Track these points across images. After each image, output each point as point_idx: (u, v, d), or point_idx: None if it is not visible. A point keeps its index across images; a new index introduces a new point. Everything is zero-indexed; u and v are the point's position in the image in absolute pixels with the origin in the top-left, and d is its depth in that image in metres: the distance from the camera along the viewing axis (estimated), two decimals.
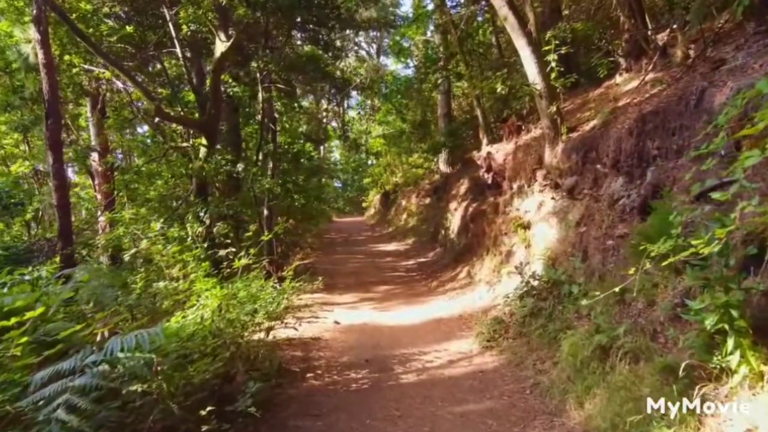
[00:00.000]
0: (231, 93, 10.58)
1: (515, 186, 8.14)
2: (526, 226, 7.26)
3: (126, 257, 6.70)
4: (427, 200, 16.07)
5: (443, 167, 15.05)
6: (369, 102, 24.55)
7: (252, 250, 4.97)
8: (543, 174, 7.02)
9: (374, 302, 8.07)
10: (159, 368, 2.80)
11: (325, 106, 23.41)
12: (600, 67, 6.96)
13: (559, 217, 6.38)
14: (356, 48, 24.98)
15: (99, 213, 10.83)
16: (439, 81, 13.46)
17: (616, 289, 3.10)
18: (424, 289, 8.92)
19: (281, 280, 5.94)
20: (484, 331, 5.50)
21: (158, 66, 11.08)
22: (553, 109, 6.25)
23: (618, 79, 7.42)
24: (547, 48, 6.13)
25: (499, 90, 8.22)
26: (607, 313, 4.06)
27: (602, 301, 4.17)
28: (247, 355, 4.29)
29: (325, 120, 24.33)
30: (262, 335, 4.83)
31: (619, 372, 3.30)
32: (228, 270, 4.85)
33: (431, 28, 15.67)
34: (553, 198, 6.65)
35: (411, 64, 19.58)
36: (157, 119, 9.33)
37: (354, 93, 21.36)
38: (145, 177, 9.78)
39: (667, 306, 3.51)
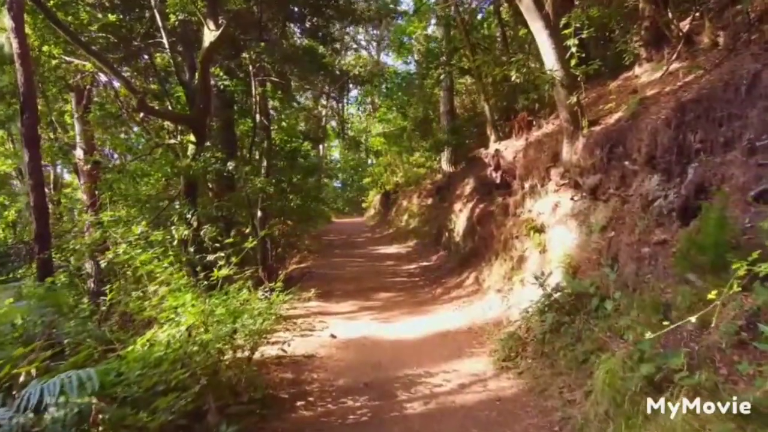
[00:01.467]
0: (222, 87, 9.97)
1: (527, 185, 7.53)
2: (540, 229, 6.66)
3: (102, 263, 6.08)
4: (430, 201, 15.46)
5: (446, 166, 14.46)
6: (369, 99, 23.92)
7: (234, 258, 4.33)
8: (559, 172, 6.41)
9: (374, 312, 7.44)
10: (100, 416, 2.19)
11: (323, 103, 22.79)
12: (626, 54, 6.36)
13: (579, 219, 5.77)
14: (355, 46, 24.41)
15: (82, 214, 10.25)
16: (442, 77, 12.87)
17: (692, 319, 2.44)
18: (428, 297, 8.30)
19: (273, 290, 5.31)
20: (498, 348, 4.88)
21: (149, 60, 10.48)
22: (573, 99, 5.64)
23: (637, 69, 6.84)
24: (566, 32, 5.50)
25: (513, 78, 7.57)
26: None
27: (643, 320, 3.57)
28: (227, 381, 3.69)
29: (324, 118, 23.71)
30: (247, 353, 4.24)
31: (677, 413, 2.67)
32: (206, 282, 4.22)
33: (433, 21, 15.07)
34: (571, 198, 6.03)
35: (412, 61, 19.03)
36: (142, 114, 8.72)
37: (353, 89, 20.74)
38: (130, 176, 9.16)
39: (729, 329, 2.89)
